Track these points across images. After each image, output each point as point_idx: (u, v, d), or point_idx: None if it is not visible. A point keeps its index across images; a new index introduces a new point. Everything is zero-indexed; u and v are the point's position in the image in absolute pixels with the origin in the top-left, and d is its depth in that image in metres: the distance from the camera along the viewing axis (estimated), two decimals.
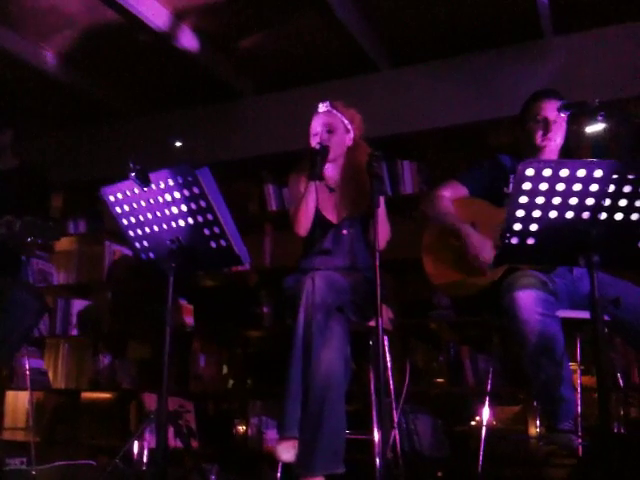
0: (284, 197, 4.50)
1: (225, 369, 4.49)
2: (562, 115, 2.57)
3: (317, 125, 2.81)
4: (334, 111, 2.81)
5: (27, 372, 3.58)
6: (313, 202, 2.68)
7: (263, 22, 4.02)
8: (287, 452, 2.31)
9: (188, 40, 4.14)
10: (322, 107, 2.83)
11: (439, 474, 3.32)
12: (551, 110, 2.63)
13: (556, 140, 2.69)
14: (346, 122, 2.82)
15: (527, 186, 1.89)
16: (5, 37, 4.17)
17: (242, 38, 4.21)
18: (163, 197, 2.24)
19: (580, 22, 3.90)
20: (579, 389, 2.76)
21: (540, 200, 1.91)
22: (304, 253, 2.81)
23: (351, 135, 2.84)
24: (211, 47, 4.30)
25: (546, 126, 2.66)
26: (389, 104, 4.31)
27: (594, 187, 1.88)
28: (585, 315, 2.29)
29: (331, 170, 2.86)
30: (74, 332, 4.83)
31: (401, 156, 4.22)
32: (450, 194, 2.78)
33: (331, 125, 2.79)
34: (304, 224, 2.70)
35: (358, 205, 2.75)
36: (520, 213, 1.94)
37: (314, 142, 2.78)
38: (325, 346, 2.34)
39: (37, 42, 4.33)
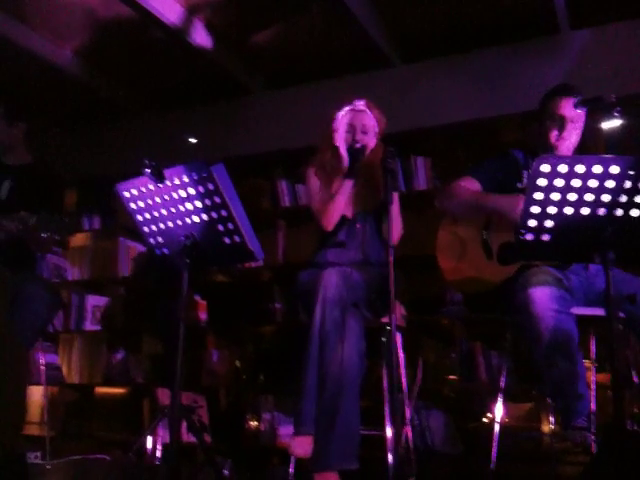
0: (297, 193, 4.50)
1: (238, 364, 4.51)
2: (579, 111, 2.55)
3: (356, 121, 2.80)
4: (370, 113, 2.81)
5: (42, 367, 3.61)
6: (346, 199, 2.72)
7: (274, 17, 4.02)
8: (302, 448, 2.32)
9: (200, 36, 4.15)
10: (359, 105, 2.82)
11: (451, 471, 3.32)
12: (569, 108, 2.58)
13: (571, 139, 2.65)
14: (376, 127, 2.82)
15: (542, 182, 1.88)
16: (21, 34, 4.19)
17: (253, 34, 4.21)
18: (177, 193, 2.25)
19: (596, 16, 3.87)
20: (593, 386, 2.75)
21: (555, 196, 1.90)
22: (318, 247, 2.82)
23: (376, 139, 2.83)
24: (222, 43, 4.31)
25: (562, 125, 2.61)
26: (402, 100, 4.30)
27: (610, 183, 1.87)
28: (600, 312, 2.28)
29: None
30: (88, 327, 4.87)
31: (414, 152, 4.21)
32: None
33: (366, 127, 2.80)
34: (334, 219, 2.72)
35: (372, 199, 2.76)
36: (535, 209, 1.93)
37: (341, 137, 2.78)
38: (341, 342, 2.34)
39: (51, 39, 4.34)
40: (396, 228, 2.64)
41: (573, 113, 2.59)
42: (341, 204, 2.71)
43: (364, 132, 2.79)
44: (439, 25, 4.02)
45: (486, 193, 2.67)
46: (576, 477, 2.02)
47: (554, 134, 2.64)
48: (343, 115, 2.82)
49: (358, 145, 2.70)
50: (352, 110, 2.82)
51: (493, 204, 2.59)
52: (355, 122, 2.80)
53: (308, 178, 2.89)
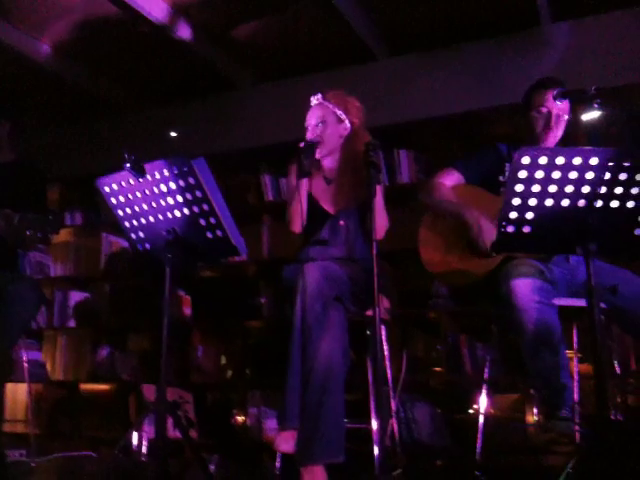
0: (281, 188, 4.49)
1: (224, 360, 4.50)
2: (563, 104, 2.55)
3: (308, 119, 2.82)
4: (325, 103, 2.80)
5: (25, 364, 3.59)
6: (304, 199, 2.70)
7: (260, 12, 4.00)
8: (286, 443, 2.32)
9: (185, 31, 4.12)
10: (314, 100, 2.83)
11: (438, 463, 3.33)
12: (555, 102, 2.57)
13: (557, 132, 2.66)
14: (339, 112, 2.79)
15: (523, 174, 1.89)
16: (2, 30, 4.14)
17: (239, 28, 4.18)
18: (158, 188, 2.24)
19: (578, 9, 3.88)
20: (576, 377, 2.77)
21: (536, 188, 1.91)
22: (302, 244, 2.81)
23: (346, 125, 2.81)
24: (208, 38, 4.28)
25: (548, 118, 2.63)
26: (387, 93, 4.29)
27: (590, 175, 1.88)
28: (582, 303, 2.30)
29: (329, 162, 2.86)
30: (72, 324, 4.84)
31: (398, 145, 4.21)
32: (448, 182, 2.77)
33: (322, 118, 2.78)
34: (297, 222, 2.72)
35: (355, 195, 2.74)
36: (516, 201, 1.94)
37: (307, 136, 2.79)
38: (324, 336, 2.34)
39: (34, 35, 4.30)
40: (381, 222, 2.64)
41: (559, 107, 2.61)
42: (296, 207, 2.69)
43: (322, 122, 2.78)
44: (424, 19, 4.01)
45: (460, 205, 2.65)
46: (561, 467, 2.03)
47: (540, 126, 2.65)
48: (306, 115, 2.84)
49: (301, 144, 2.65)
50: (310, 107, 2.84)
51: (464, 218, 2.58)
52: (309, 119, 2.82)
53: (288, 175, 2.91)
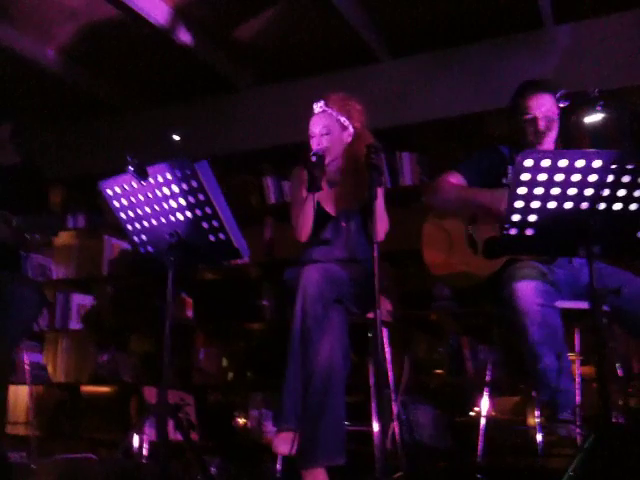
0: (284, 190, 4.49)
1: (225, 362, 4.50)
2: (550, 107, 2.56)
3: (313, 128, 2.78)
4: (329, 110, 2.77)
5: (27, 366, 3.59)
6: (312, 211, 2.68)
7: (261, 13, 4.00)
8: (284, 444, 2.31)
9: (186, 33, 4.12)
10: (317, 107, 2.80)
11: (439, 465, 3.33)
12: (539, 107, 2.61)
13: (549, 134, 2.65)
14: (342, 119, 2.77)
15: (526, 177, 1.89)
16: (4, 32, 4.15)
17: (240, 30, 4.19)
18: (161, 191, 2.23)
19: (580, 11, 3.88)
20: (579, 379, 2.76)
21: (539, 191, 1.91)
22: (305, 245, 2.81)
23: (349, 131, 2.80)
24: (208, 40, 4.29)
25: (536, 123, 2.63)
26: (388, 95, 4.29)
27: (593, 177, 1.88)
28: (585, 305, 2.29)
29: (332, 166, 2.84)
30: (74, 326, 4.84)
31: (400, 147, 4.21)
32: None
33: (327, 128, 2.76)
34: (305, 232, 2.71)
35: (356, 197, 2.74)
36: (519, 204, 1.94)
37: (312, 145, 2.77)
38: (324, 337, 2.34)
39: (36, 37, 4.31)
40: (382, 224, 2.64)
41: (545, 110, 2.61)
42: (308, 217, 2.67)
43: (327, 133, 2.75)
44: (425, 20, 4.01)
45: (471, 188, 2.67)
46: (562, 470, 2.03)
47: (531, 133, 2.64)
48: (309, 123, 2.81)
49: (313, 158, 2.59)
50: (312, 115, 2.80)
51: (478, 199, 2.59)
52: (313, 128, 2.78)
53: (292, 180, 2.90)
